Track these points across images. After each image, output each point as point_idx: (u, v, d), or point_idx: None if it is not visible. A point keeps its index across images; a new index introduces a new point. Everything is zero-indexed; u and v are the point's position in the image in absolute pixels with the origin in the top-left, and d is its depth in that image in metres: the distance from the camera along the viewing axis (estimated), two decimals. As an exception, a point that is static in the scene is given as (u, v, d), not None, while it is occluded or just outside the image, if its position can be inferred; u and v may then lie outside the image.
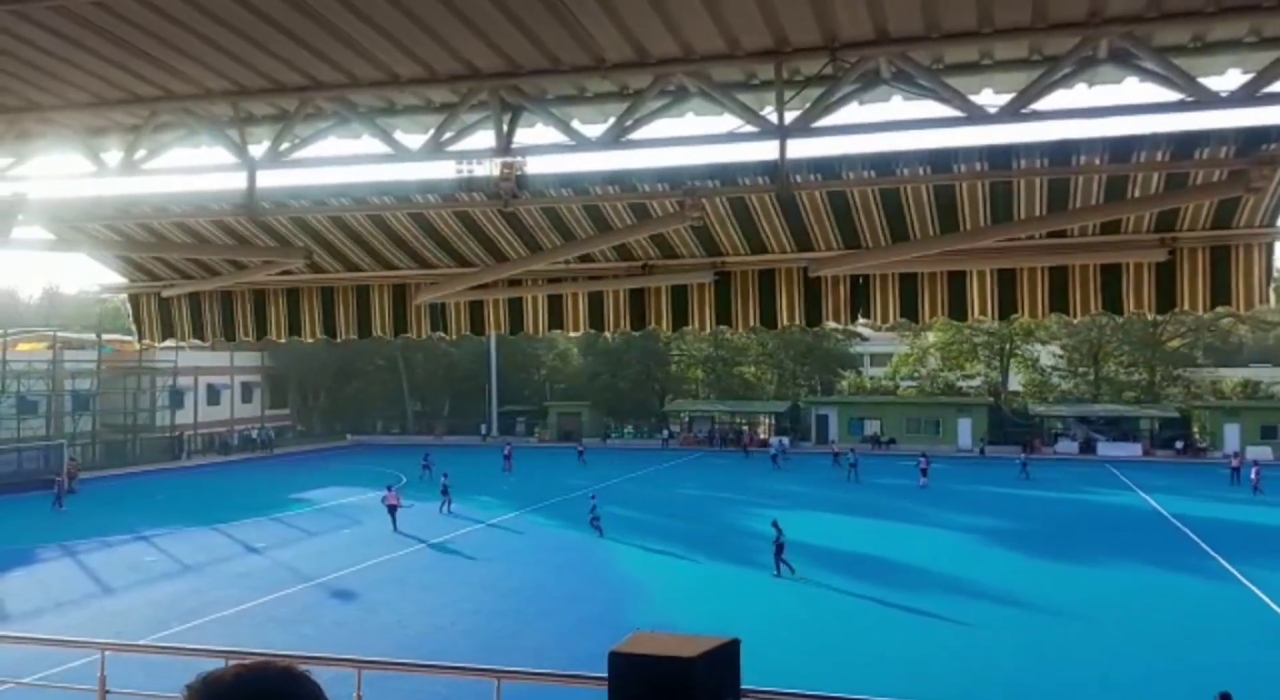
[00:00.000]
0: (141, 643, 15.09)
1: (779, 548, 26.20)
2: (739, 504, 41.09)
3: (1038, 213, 6.02)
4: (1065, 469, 54.37)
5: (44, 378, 56.23)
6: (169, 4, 4.88)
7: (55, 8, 4.88)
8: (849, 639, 20.41)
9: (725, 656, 5.68)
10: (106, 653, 8.32)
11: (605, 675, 5.59)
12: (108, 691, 8.02)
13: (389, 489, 35.58)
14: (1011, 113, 5.08)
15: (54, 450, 49.11)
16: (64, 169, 7.03)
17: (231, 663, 1.35)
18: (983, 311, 6.56)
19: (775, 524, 26.85)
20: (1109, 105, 4.97)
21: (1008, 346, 71.09)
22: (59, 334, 59.39)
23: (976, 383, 73.77)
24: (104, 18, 5.11)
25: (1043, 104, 5.09)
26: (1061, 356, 72.19)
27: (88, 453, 56.57)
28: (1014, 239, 6.21)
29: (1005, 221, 6.11)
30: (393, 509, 34.34)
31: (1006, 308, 6.52)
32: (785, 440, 65.18)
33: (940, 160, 5.60)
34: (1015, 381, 73.70)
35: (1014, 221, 6.11)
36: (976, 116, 5.18)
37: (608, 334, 7.98)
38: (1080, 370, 71.65)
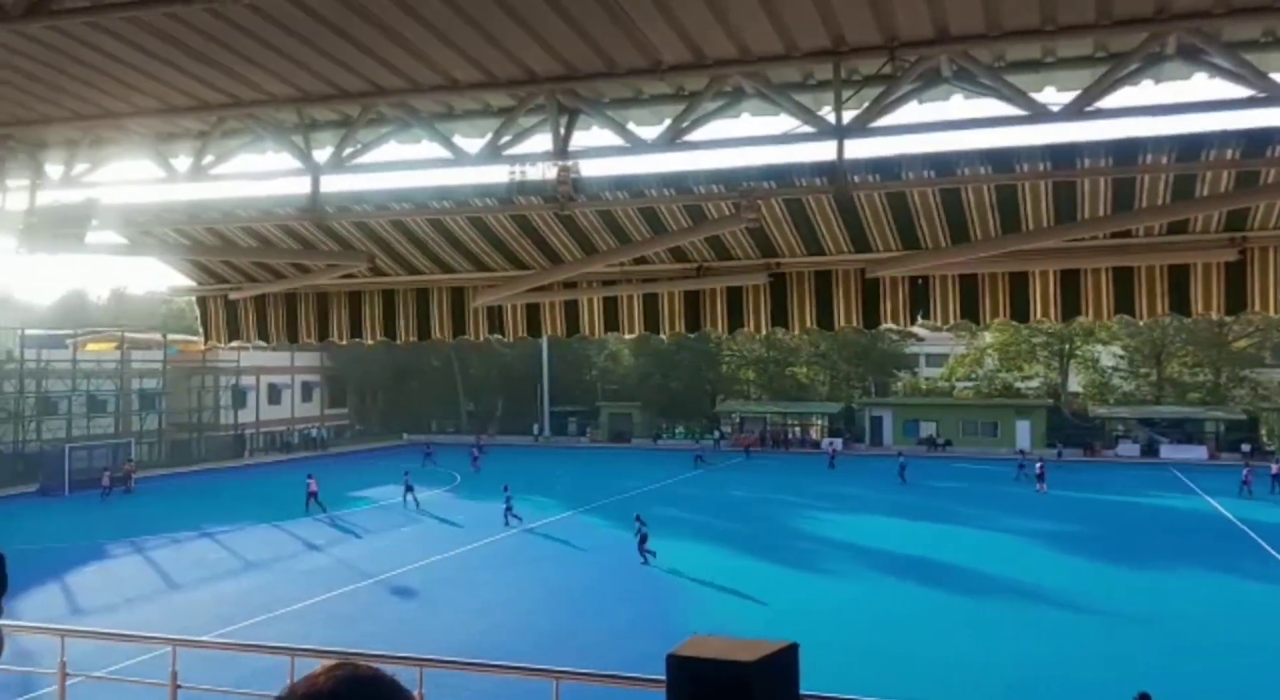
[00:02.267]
0: (209, 638, 15.45)
1: (642, 539, 28.87)
2: (791, 506, 40.87)
3: (1102, 213, 5.91)
4: (1127, 472, 53.18)
5: (112, 377, 57.76)
6: (237, 13, 5.00)
7: (128, 18, 5.02)
8: (908, 643, 20.18)
9: (784, 661, 5.63)
10: (177, 648, 8.52)
11: (662, 678, 5.59)
12: (179, 686, 8.22)
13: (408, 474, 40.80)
14: (1075, 111, 4.99)
15: (122, 448, 50.48)
16: (135, 175, 7.23)
17: (323, 666, 1.39)
18: (1045, 313, 6.46)
19: (638, 517, 29.76)
20: (1176, 102, 4.86)
21: (1067, 347, 69.69)
22: (127, 334, 60.96)
23: (1035, 384, 72.45)
24: (175, 27, 5.25)
25: (1108, 102, 4.99)
26: (1123, 357, 70.57)
27: (154, 451, 58.05)
28: (1078, 239, 6.11)
29: (1069, 222, 6.01)
30: (410, 489, 40.17)
31: (1070, 309, 6.40)
32: (839, 441, 64.66)
33: (1002, 160, 5.53)
34: (1075, 383, 72.23)
35: (1078, 222, 6.00)
36: (1039, 115, 5.10)
37: (663, 336, 8.01)
38: (1142, 371, 69.99)
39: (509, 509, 35.74)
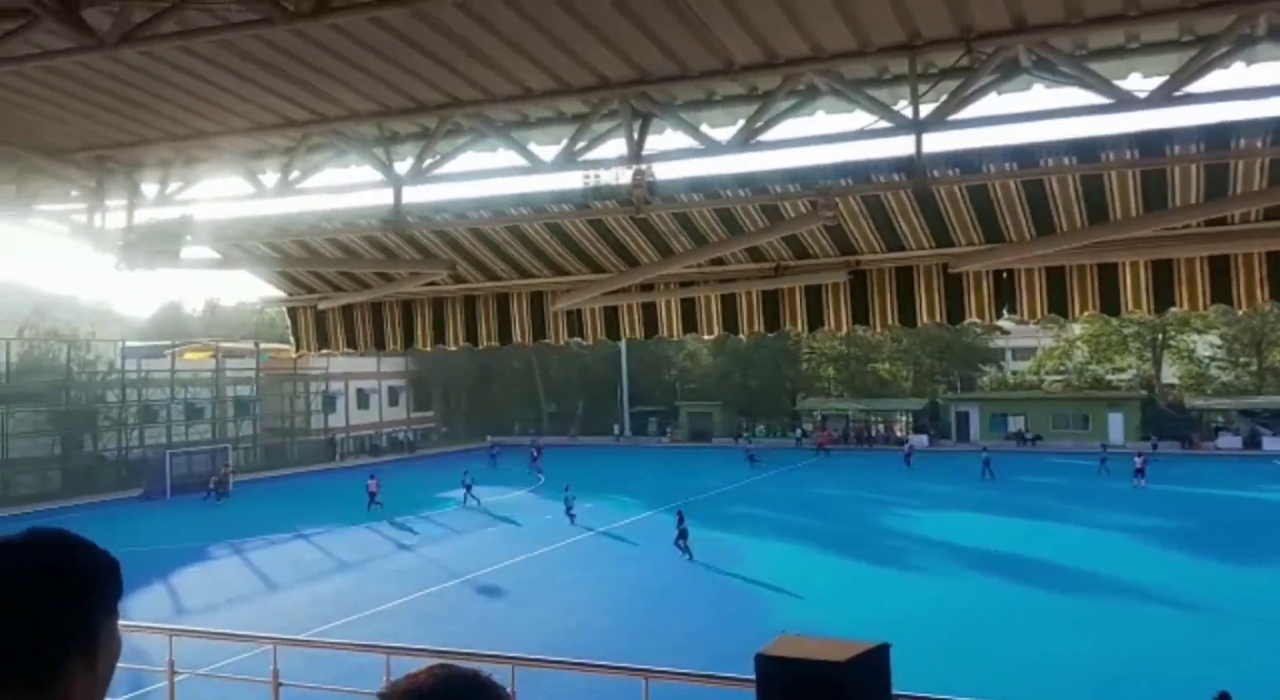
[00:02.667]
0: (308, 637, 15.91)
1: (682, 533, 28.94)
2: (872, 503, 40.32)
3: (1194, 200, 5.72)
4: (1228, 465, 51.15)
5: (208, 385, 59.85)
6: (320, 33, 5.15)
7: (217, 41, 5.21)
8: (1000, 641, 19.75)
9: (875, 661, 5.58)
10: (278, 646, 8.81)
11: (751, 677, 5.59)
12: (281, 684, 8.50)
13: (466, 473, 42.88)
14: (1163, 97, 4.85)
15: (219, 453, 52.30)
16: (226, 191, 7.50)
17: (426, 667, 1.44)
18: (1136, 305, 6.27)
19: (680, 514, 29.94)
20: (1271, 85, 4.67)
21: (1161, 337, 67.28)
22: (221, 344, 63.09)
23: (1127, 376, 70.16)
24: (261, 48, 5.43)
25: (1197, 86, 4.83)
26: (1221, 346, 67.85)
27: (249, 455, 59.96)
28: (1169, 228, 5.92)
29: (1159, 210, 5.83)
30: (469, 488, 41.45)
31: (1163, 300, 6.21)
32: (924, 438, 63.60)
33: (1087, 149, 5.39)
34: (1170, 373, 69.74)
35: (1169, 209, 5.82)
36: (1125, 102, 4.97)
37: (741, 336, 8.02)
38: (1242, 360, 67.20)
39: (569, 509, 36.06)
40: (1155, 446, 56.50)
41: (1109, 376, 70.27)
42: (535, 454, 55.84)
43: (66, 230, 7.82)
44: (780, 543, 31.56)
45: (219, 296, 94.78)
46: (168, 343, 62.15)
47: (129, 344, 57.54)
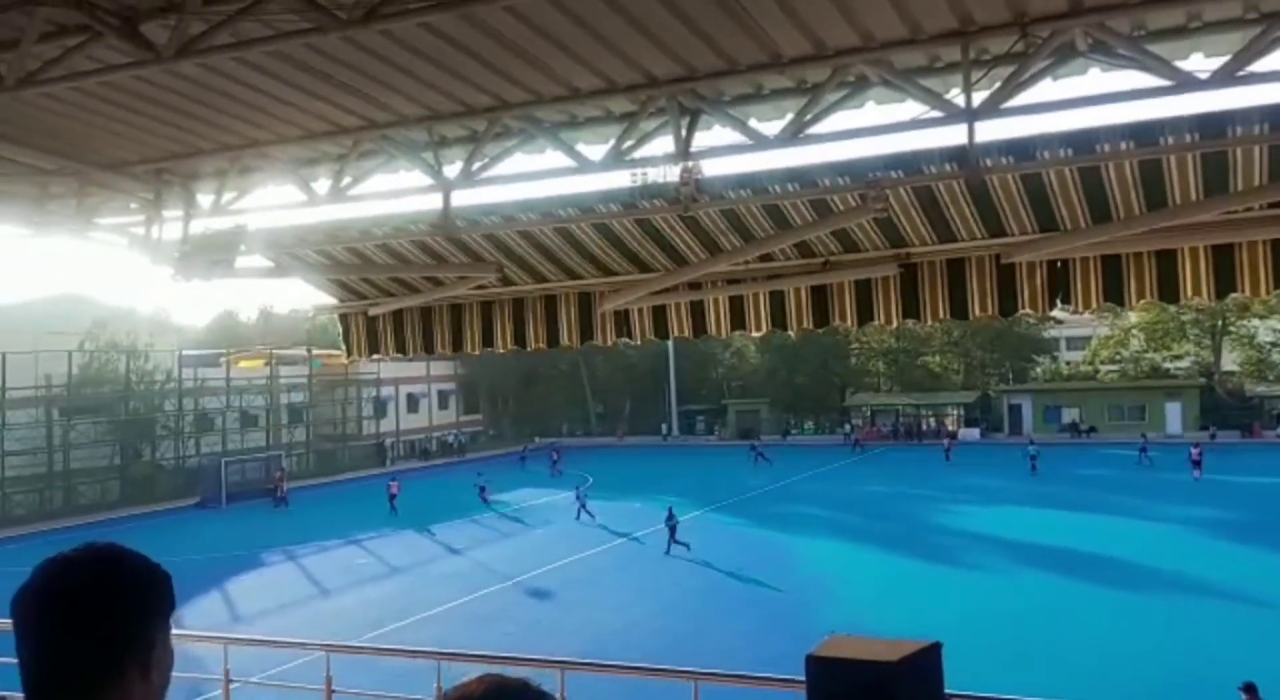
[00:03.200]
0: (360, 643, 16.09)
1: (672, 530, 29.89)
2: (923, 499, 39.84)
3: (1257, 182, 5.56)
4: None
5: (262, 392, 60.80)
6: (369, 39, 5.21)
7: (270, 51, 5.29)
8: (1055, 639, 19.42)
9: (927, 661, 5.51)
10: (330, 653, 8.91)
11: (801, 678, 5.54)
12: (334, 691, 8.60)
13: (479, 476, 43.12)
14: (1226, 77, 4.73)
15: (274, 460, 53.15)
16: (279, 200, 7.61)
17: (476, 676, 1.45)
18: (1196, 292, 6.12)
19: (670, 510, 30.69)
20: (1340, 61, 4.54)
21: (1220, 323, 65.64)
22: (274, 351, 64.06)
23: (1185, 364, 68.60)
24: (312, 57, 5.51)
25: (1261, 65, 4.71)
26: (1283, 331, 66.16)
27: (303, 461, 60.83)
28: (1231, 212, 5.76)
29: (1220, 193, 5.68)
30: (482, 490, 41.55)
31: (1224, 287, 6.05)
32: (976, 431, 62.76)
33: (1145, 133, 5.26)
34: (1230, 360, 68.06)
35: (1231, 193, 5.67)
36: (1185, 84, 4.85)
37: (790, 332, 7.96)
38: (1305, 345, 65.48)
39: (582, 506, 36.54)
40: (1214, 436, 55.24)
41: (1166, 365, 68.80)
42: (555, 457, 55.98)
43: (125, 242, 8.00)
44: (827, 538, 31.34)
45: (272, 304, 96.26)
46: (222, 351, 63.15)
47: (185, 353, 58.59)
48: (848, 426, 69.20)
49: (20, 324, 47.98)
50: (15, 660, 1.50)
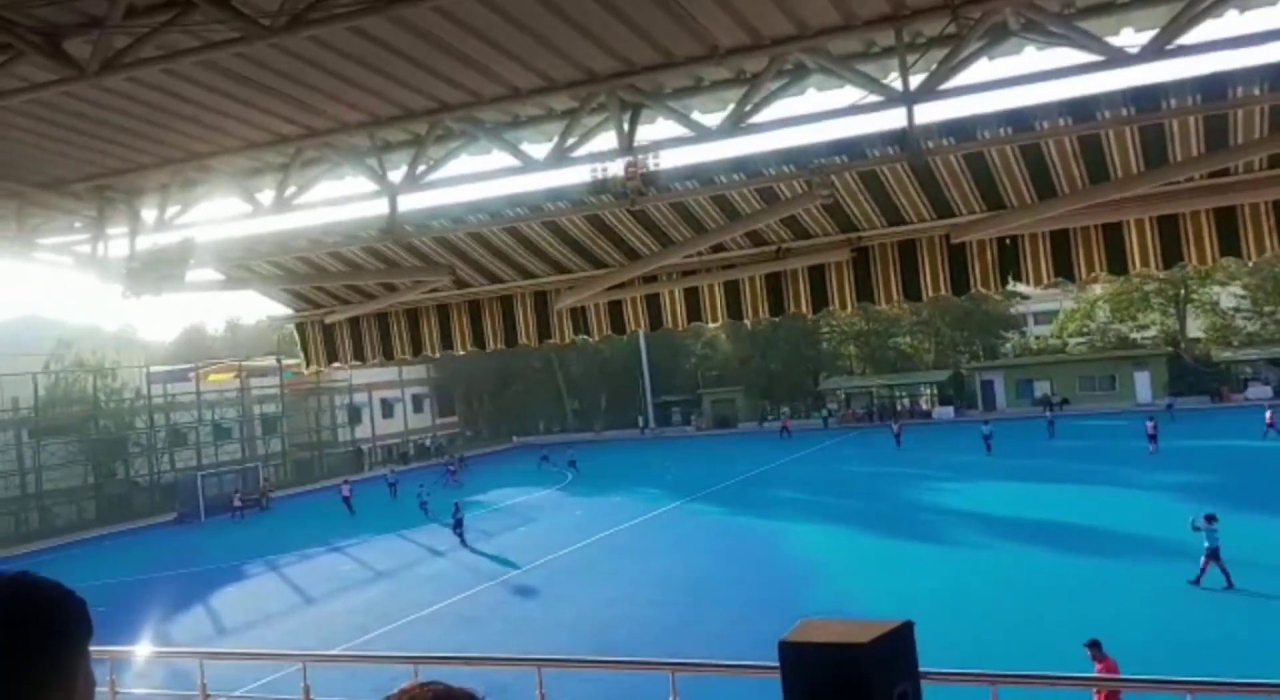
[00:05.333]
0: (339, 652, 16.02)
1: (457, 523, 32.55)
2: (898, 478, 40.11)
3: (1195, 153, 5.62)
4: (1260, 416, 50.53)
5: (234, 405, 60.30)
6: (301, 46, 5.15)
7: (201, 62, 5.21)
8: (1033, 611, 19.61)
9: (899, 640, 5.54)
10: (308, 664, 8.85)
11: (777, 664, 5.56)
12: (311, 700, 8.56)
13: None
14: (1156, 51, 4.76)
15: (250, 472, 52.78)
16: (225, 212, 7.52)
17: (421, 682, 1.43)
18: (1144, 263, 6.18)
19: (456, 505, 33.37)
20: (1265, 31, 4.58)
21: (1183, 291, 66.49)
22: (244, 363, 63.54)
23: (1152, 333, 69.45)
24: (245, 66, 5.43)
25: (1190, 38, 4.74)
26: (1245, 296, 66.99)
27: (279, 471, 60.41)
28: (1172, 183, 5.82)
29: (1160, 165, 5.73)
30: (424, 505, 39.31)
31: (1171, 256, 6.12)
32: (950, 409, 63.10)
33: (1082, 109, 5.30)
34: (1195, 327, 68.97)
35: (1170, 164, 5.72)
36: (1117, 59, 4.89)
37: (747, 322, 8.01)
38: (1267, 309, 66.28)
39: (458, 524, 32.89)
40: (1170, 407, 54.47)
41: (1133, 335, 69.59)
42: (454, 467, 54.21)
43: (71, 261, 7.87)
44: (809, 522, 31.49)
45: (239, 315, 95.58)
46: (191, 365, 62.60)
47: (154, 369, 57.99)
48: (825, 411, 69.52)
49: (-17, 347, 47.35)
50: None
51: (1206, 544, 19.98)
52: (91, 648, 1.56)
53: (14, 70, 5.05)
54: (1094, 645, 12.52)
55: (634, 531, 33.14)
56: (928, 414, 65.28)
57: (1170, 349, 65.76)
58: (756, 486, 41.00)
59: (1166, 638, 16.99)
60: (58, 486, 48.79)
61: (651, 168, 6.16)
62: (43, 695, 1.45)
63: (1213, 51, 4.72)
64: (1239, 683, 7.83)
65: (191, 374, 59.68)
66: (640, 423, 75.70)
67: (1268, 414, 43.16)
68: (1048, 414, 51.37)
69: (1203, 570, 19.97)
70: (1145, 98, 5.12)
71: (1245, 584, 19.70)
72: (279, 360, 62.82)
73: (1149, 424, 41.51)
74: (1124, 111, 5.23)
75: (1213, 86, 4.96)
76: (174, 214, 7.36)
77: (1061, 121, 5.39)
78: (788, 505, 35.35)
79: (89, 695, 1.54)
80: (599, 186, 6.35)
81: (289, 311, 8.88)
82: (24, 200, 7.28)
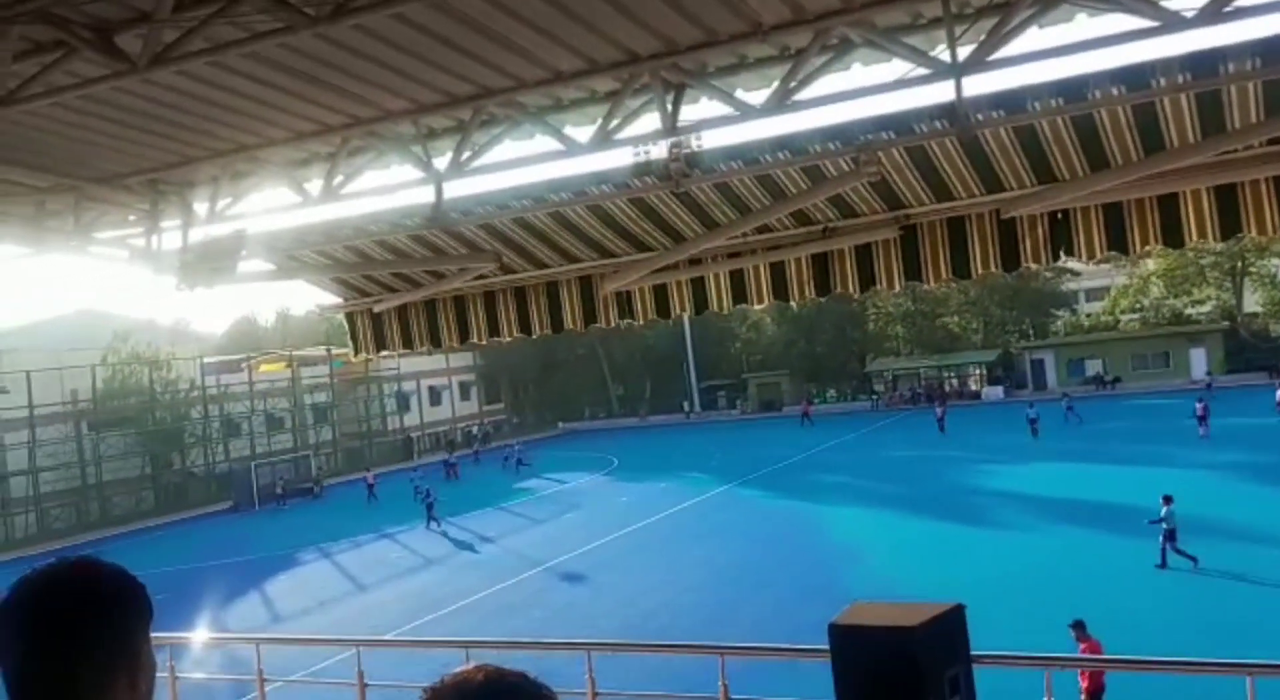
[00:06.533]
0: (398, 634, 16.25)
1: (429, 506, 34.88)
2: (944, 462, 39.68)
3: (1254, 119, 5.45)
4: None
5: (285, 395, 61.26)
6: (346, 36, 5.18)
7: (246, 54, 5.27)
8: (1088, 595, 19.33)
9: (949, 623, 5.50)
10: (361, 649, 8.99)
11: (826, 647, 5.55)
12: (366, 685, 8.68)
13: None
14: (1213, 14, 4.62)
15: (302, 461, 53.72)
16: (275, 203, 7.62)
17: (477, 666, 1.45)
18: (1201, 234, 6.03)
19: (428, 490, 35.49)
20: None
21: (1240, 264, 64.75)
22: (294, 353, 64.50)
23: (1207, 308, 67.83)
24: (290, 57, 5.49)
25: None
26: (1306, 269, 65.21)
27: (330, 460, 61.33)
28: (1230, 152, 5.66)
29: (1217, 133, 5.57)
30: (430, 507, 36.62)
31: (1229, 227, 5.96)
32: (999, 389, 62.14)
33: (1136, 76, 5.16)
34: (1252, 301, 67.24)
35: (1228, 132, 5.56)
36: (1172, 23, 4.76)
37: (793, 303, 8.00)
38: (1329, 282, 64.55)
39: (430, 509, 35.34)
40: (1209, 385, 52.40)
41: (1188, 310, 68.05)
42: (452, 461, 52.55)
43: (126, 255, 8.03)
44: (856, 505, 31.33)
45: (289, 306, 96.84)
46: (243, 356, 63.68)
47: (207, 360, 59.08)
48: (874, 393, 68.88)
49: (43, 342, 48.57)
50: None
51: (1164, 525, 20.21)
52: (151, 634, 1.61)
53: (67, 66, 5.14)
54: (1078, 626, 12.54)
55: (679, 517, 33.18)
56: (976, 394, 64.39)
57: (1227, 324, 64.25)
58: (802, 471, 40.85)
59: (1215, 619, 16.67)
60: (116, 477, 49.97)
61: (695, 148, 6.12)
62: (111, 673, 1.51)
63: (1273, 12, 4.58)
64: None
65: (244, 365, 60.69)
66: (685, 407, 75.64)
67: None
68: (1064, 400, 48.77)
69: (1163, 552, 20.28)
70: (1202, 63, 4.97)
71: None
72: (328, 350, 63.66)
73: (1198, 406, 39.53)
74: (1180, 78, 5.08)
75: (1273, 49, 4.81)
76: (225, 206, 7.46)
77: (1115, 90, 5.26)
78: (834, 489, 35.20)
79: (151, 674, 1.59)
80: (642, 169, 6.33)
81: (338, 301, 8.97)
82: (80, 195, 7.44)
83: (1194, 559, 19.82)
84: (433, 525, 35.12)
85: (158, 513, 49.53)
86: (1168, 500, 20.33)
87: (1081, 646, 12.08)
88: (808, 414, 59.95)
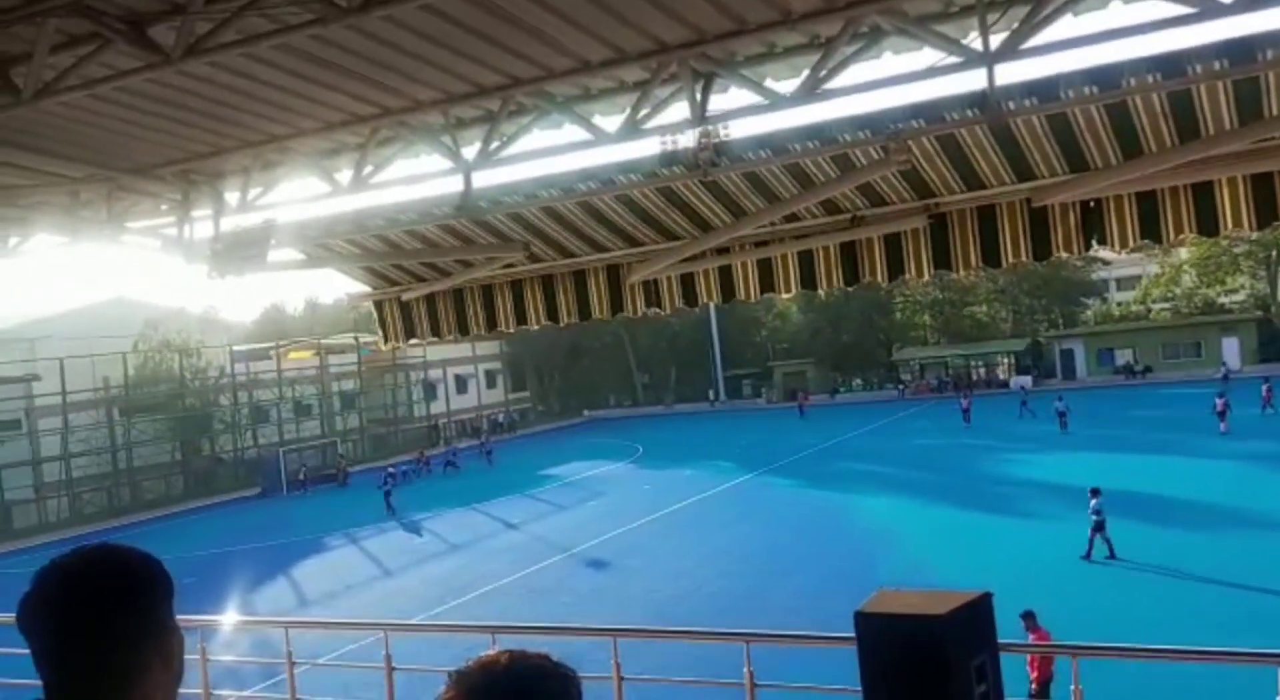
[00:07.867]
0: (426, 618, 16.39)
1: (387, 494, 37.04)
2: (969, 451, 39.43)
3: (1294, 106, 5.37)
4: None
5: (314, 382, 61.79)
6: (376, 26, 5.21)
7: (277, 45, 5.31)
8: (1114, 585, 19.21)
9: (976, 611, 5.47)
10: (389, 633, 9.08)
11: (853, 635, 5.54)
12: (394, 668, 8.77)
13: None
14: (1250, 0, 4.55)
15: (330, 448, 54.22)
16: (305, 193, 7.68)
17: (501, 650, 1.48)
18: (1236, 223, 5.94)
19: (390, 473, 38.63)
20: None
21: (1275, 253, 63.80)
22: (322, 341, 65.00)
23: (1241, 297, 66.91)
24: (321, 48, 5.52)
25: (1288, -16, 4.53)
26: (1343, 258, 64.14)
27: (357, 447, 61.83)
28: (1267, 139, 5.57)
29: (1255, 121, 5.49)
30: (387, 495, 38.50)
31: (1265, 216, 5.86)
32: (1028, 379, 61.65)
33: (1172, 64, 5.09)
34: (1287, 291, 66.28)
35: (1265, 119, 5.47)
36: (1209, 10, 4.69)
37: (820, 292, 7.97)
38: (1366, 271, 63.47)
39: (387, 496, 37.96)
40: (1226, 376, 50.75)
41: (1221, 299, 67.14)
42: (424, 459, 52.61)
43: (158, 244, 8.12)
44: (881, 494, 31.21)
45: (318, 295, 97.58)
46: (272, 344, 64.25)
47: (236, 348, 59.66)
48: (900, 383, 68.51)
49: (75, 329, 49.20)
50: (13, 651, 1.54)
51: (1093, 516, 20.62)
52: (181, 618, 1.65)
53: (102, 58, 5.20)
54: (1028, 616, 12.55)
55: (705, 504, 33.22)
56: (1005, 384, 63.85)
57: (1260, 313, 63.35)
58: (828, 459, 40.77)
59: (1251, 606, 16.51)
60: (147, 463, 50.65)
61: (723, 137, 6.11)
62: (147, 655, 1.55)
63: (1314, -1, 4.50)
64: None
65: (272, 353, 61.23)
66: (710, 396, 75.60)
67: None
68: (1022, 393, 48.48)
69: (1090, 542, 20.77)
70: (1239, 50, 4.90)
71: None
72: (356, 338, 64.11)
73: (1218, 401, 37.44)
74: (1217, 65, 5.01)
75: (1313, 36, 4.73)
76: (256, 196, 7.53)
77: (1150, 78, 5.19)
78: (859, 478, 35.10)
79: (180, 651, 1.64)
80: (670, 158, 6.32)
81: (367, 289, 9.03)
82: (113, 185, 7.53)
83: (1112, 551, 20.51)
84: (389, 516, 36.80)
85: (187, 498, 50.17)
86: (1095, 493, 20.68)
87: (1031, 637, 12.10)
88: (802, 407, 59.79)
